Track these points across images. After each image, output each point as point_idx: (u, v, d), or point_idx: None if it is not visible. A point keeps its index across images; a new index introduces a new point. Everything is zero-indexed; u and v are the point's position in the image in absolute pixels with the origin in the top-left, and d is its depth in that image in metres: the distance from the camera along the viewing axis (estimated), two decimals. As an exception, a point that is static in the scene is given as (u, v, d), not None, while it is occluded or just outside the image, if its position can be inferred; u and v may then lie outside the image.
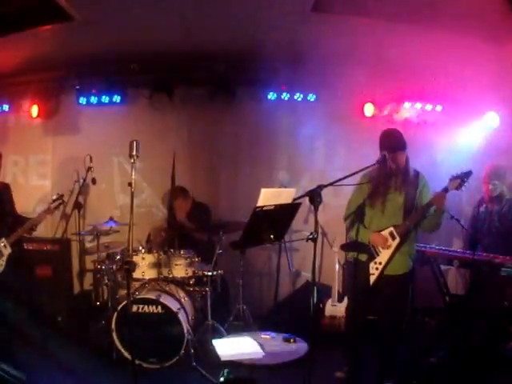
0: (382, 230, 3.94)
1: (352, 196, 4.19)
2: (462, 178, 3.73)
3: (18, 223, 4.89)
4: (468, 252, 4.33)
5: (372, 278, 3.93)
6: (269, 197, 3.48)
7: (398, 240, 3.87)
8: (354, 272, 4.14)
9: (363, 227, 3.99)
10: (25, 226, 4.80)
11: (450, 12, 4.36)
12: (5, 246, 4.67)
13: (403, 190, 3.93)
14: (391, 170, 3.93)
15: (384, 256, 3.91)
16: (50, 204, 4.93)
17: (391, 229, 3.90)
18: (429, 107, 6.15)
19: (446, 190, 3.76)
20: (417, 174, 4.04)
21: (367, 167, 3.81)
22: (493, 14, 4.25)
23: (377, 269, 3.92)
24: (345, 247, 4.42)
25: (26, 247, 5.29)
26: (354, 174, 3.90)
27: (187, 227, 5.61)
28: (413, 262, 4.04)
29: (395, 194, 3.96)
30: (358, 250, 4.06)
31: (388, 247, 3.89)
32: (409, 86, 6.00)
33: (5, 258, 4.67)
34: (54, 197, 5.00)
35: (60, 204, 5.03)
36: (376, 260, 3.93)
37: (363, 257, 4.01)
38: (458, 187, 3.74)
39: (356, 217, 3.98)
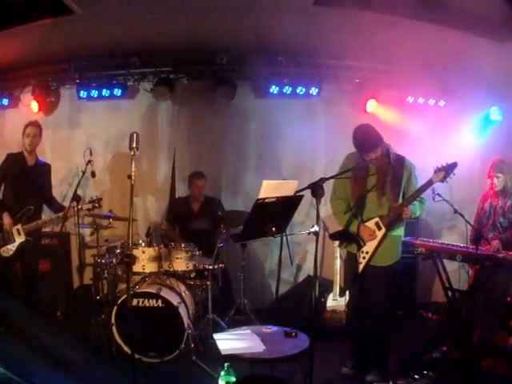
0: (369, 220, 3.97)
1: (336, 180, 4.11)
2: (446, 170, 3.73)
3: (53, 207, 4.81)
4: (471, 247, 4.30)
5: (360, 267, 3.98)
6: (271, 189, 3.45)
7: (383, 230, 3.91)
8: (348, 264, 4.18)
9: (353, 217, 4.03)
10: (47, 219, 4.65)
11: (452, 7, 4.34)
12: (19, 232, 4.52)
13: (388, 180, 3.91)
14: (369, 166, 3.93)
15: (371, 246, 3.95)
16: (84, 203, 4.72)
17: (377, 219, 3.94)
18: (432, 102, 6.11)
19: (430, 181, 3.79)
20: (402, 159, 4.01)
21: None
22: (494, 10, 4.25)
23: (364, 258, 3.97)
24: (333, 236, 4.42)
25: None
26: (356, 167, 3.90)
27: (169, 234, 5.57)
28: (401, 249, 4.09)
29: (380, 184, 3.94)
30: (346, 240, 4.10)
31: (374, 238, 3.93)
32: (412, 81, 5.96)
33: (15, 245, 4.51)
34: (94, 197, 4.77)
35: (94, 207, 4.78)
36: (363, 249, 3.98)
37: (353, 248, 4.04)
38: (443, 179, 3.75)
39: (348, 207, 4.06)
